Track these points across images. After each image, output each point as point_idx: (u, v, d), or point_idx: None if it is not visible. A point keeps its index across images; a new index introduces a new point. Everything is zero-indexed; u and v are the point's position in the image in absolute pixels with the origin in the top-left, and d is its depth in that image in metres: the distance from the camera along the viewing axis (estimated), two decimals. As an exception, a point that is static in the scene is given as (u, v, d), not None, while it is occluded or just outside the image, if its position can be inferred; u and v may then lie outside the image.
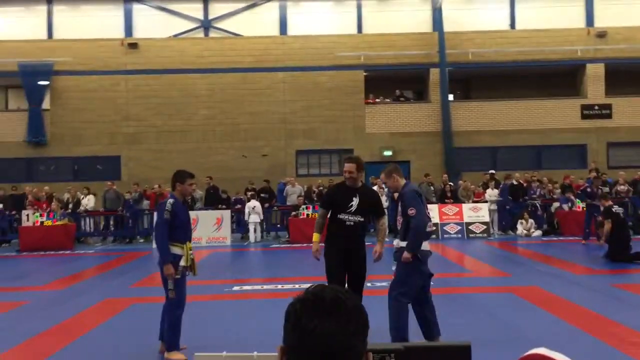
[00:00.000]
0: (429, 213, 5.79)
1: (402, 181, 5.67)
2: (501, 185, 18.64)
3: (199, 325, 7.14)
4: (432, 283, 5.97)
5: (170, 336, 5.77)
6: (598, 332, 6.32)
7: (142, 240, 18.49)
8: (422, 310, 5.65)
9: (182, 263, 5.81)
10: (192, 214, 17.58)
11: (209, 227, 17.18)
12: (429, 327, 5.62)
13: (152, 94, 22.81)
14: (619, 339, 6.05)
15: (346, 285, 5.80)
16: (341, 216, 5.94)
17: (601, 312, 7.24)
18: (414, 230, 5.48)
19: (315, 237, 6.14)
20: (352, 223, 5.93)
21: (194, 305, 8.55)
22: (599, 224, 14.41)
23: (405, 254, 5.46)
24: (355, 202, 5.92)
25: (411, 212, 5.47)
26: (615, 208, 12.22)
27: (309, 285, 1.39)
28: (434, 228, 5.95)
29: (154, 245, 5.80)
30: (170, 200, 5.91)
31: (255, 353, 2.23)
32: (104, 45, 22.89)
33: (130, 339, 6.67)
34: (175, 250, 5.83)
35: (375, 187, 18.81)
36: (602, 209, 12.86)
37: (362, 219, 5.90)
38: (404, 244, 5.59)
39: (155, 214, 17.57)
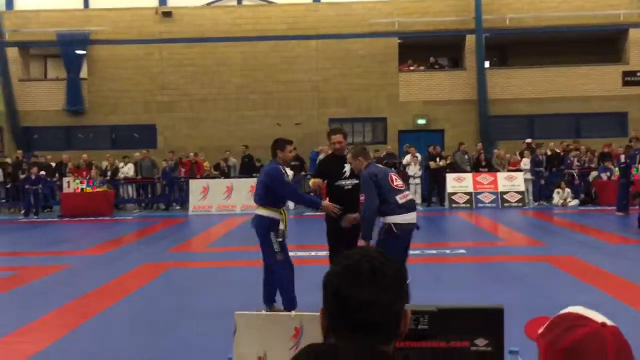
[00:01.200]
0: (398, 185, 5.65)
1: (365, 163, 5.76)
2: (532, 156, 18.28)
3: (241, 288, 7.32)
4: (416, 252, 5.80)
5: (287, 298, 6.04)
6: (635, 302, 6.27)
7: (178, 207, 18.83)
8: None
9: (282, 226, 6.06)
10: (227, 182, 17.91)
11: (244, 195, 17.40)
12: None
13: (186, 63, 22.94)
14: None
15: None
16: (338, 183, 6.32)
17: (637, 281, 7.16)
18: (361, 216, 5.63)
19: (315, 181, 6.61)
20: (350, 187, 6.28)
21: (234, 270, 8.76)
22: (636, 195, 14.05)
23: (360, 241, 5.55)
24: (347, 167, 6.30)
25: (361, 198, 5.60)
26: None
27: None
28: (410, 197, 5.76)
29: (261, 212, 6.10)
30: (279, 167, 6.15)
31: (293, 312, 2.31)
32: (138, 14, 23.04)
33: (169, 300, 6.89)
34: (275, 214, 6.07)
35: (408, 155, 18.76)
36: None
37: (357, 181, 6.12)
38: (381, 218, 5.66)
39: (190, 181, 17.91)
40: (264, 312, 2.36)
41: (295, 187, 6.25)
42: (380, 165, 6.04)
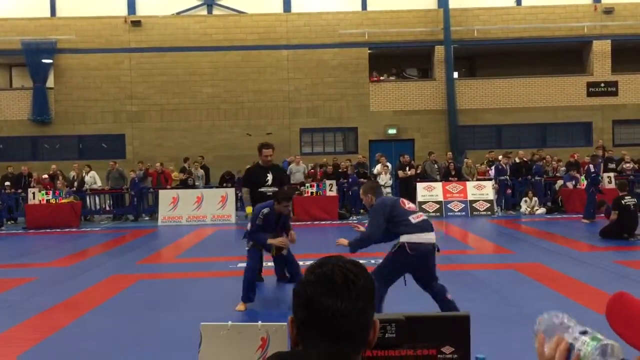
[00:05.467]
0: (410, 208, 5.79)
1: (374, 200, 5.89)
2: (493, 166, 18.50)
3: (211, 300, 7.24)
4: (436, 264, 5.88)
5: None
6: (601, 309, 6.37)
7: (147, 218, 18.60)
8: (435, 297, 5.74)
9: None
10: (197, 192, 17.75)
11: (214, 205, 17.26)
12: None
13: (156, 72, 22.76)
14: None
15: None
16: (262, 189, 7.86)
17: (604, 289, 7.29)
18: (361, 237, 5.79)
19: (249, 209, 8.15)
20: (271, 193, 7.64)
21: (201, 282, 8.67)
22: (600, 204, 14.35)
23: (343, 241, 5.82)
24: (269, 176, 7.95)
25: (369, 223, 5.84)
26: (627, 200, 11.79)
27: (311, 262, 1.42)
28: (425, 218, 5.84)
29: None
30: (262, 209, 6.97)
31: (259, 322, 2.28)
32: (107, 23, 22.80)
33: (137, 313, 6.77)
34: None
35: (379, 165, 18.87)
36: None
37: (277, 189, 7.68)
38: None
39: (159, 191, 17.68)
40: (230, 323, 2.33)
41: (255, 231, 6.95)
42: (390, 196, 6.19)
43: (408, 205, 5.84)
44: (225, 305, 6.98)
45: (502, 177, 18.07)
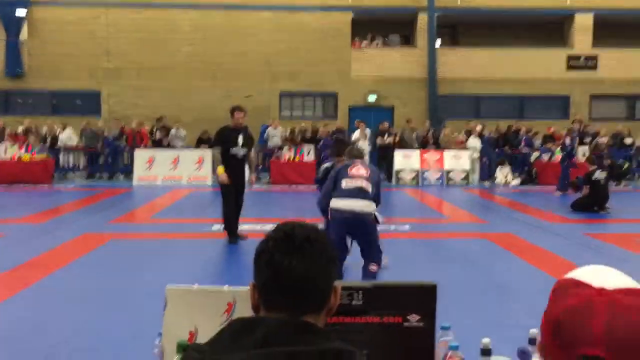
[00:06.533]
0: (354, 174, 5.67)
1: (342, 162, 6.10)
2: (470, 136, 18.55)
3: (185, 262, 7.20)
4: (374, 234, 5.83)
5: None
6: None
7: (122, 178, 18.38)
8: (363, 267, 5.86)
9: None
10: (174, 153, 17.55)
11: (191, 166, 17.09)
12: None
13: (134, 29, 22.18)
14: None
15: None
16: (233, 151, 8.31)
17: (573, 260, 7.41)
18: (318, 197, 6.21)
19: (221, 169, 8.27)
20: (242, 154, 8.39)
21: (174, 243, 8.62)
22: (573, 183, 14.46)
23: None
24: (240, 138, 8.35)
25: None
26: (597, 174, 11.91)
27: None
28: (357, 184, 5.79)
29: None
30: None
31: (226, 287, 2.24)
32: (83, -25, 22.07)
33: (107, 274, 6.70)
34: None
35: (357, 131, 18.80)
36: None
37: (247, 151, 8.49)
38: None
39: (135, 150, 17.42)
40: (196, 286, 2.29)
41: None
42: (356, 160, 5.95)
43: (355, 171, 5.70)
44: (195, 268, 6.95)
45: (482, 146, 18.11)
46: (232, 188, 8.28)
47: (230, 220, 8.42)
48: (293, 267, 1.28)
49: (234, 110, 8.50)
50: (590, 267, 1.09)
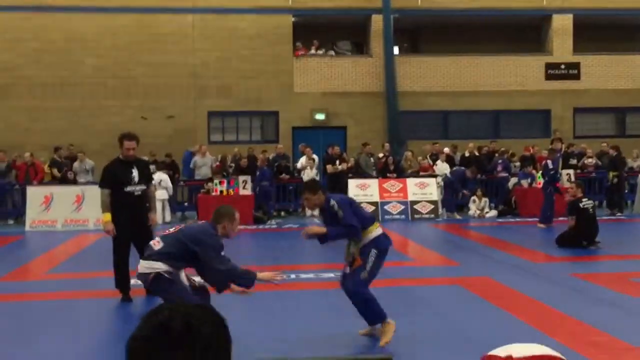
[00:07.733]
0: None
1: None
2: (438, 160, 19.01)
3: (90, 327, 7.00)
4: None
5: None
6: (554, 331, 6.62)
7: (11, 222, 17.90)
8: None
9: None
10: (76, 190, 17.15)
11: (99, 205, 16.72)
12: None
13: (26, 38, 21.83)
14: (577, 339, 6.36)
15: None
16: (128, 189, 8.03)
17: (559, 308, 7.58)
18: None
19: (107, 216, 8.11)
20: (140, 192, 8.15)
21: (77, 304, 8.39)
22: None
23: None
24: (135, 172, 8.08)
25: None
26: (584, 202, 12.26)
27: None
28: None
29: None
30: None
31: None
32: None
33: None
34: None
35: (303, 158, 18.91)
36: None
37: (145, 187, 8.21)
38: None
39: (27, 188, 17.00)
40: None
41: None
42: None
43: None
44: (109, 334, 6.77)
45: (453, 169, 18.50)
46: (127, 233, 8.11)
47: (123, 273, 8.19)
48: None
49: (122, 138, 8.29)
50: (510, 344, 1.37)
